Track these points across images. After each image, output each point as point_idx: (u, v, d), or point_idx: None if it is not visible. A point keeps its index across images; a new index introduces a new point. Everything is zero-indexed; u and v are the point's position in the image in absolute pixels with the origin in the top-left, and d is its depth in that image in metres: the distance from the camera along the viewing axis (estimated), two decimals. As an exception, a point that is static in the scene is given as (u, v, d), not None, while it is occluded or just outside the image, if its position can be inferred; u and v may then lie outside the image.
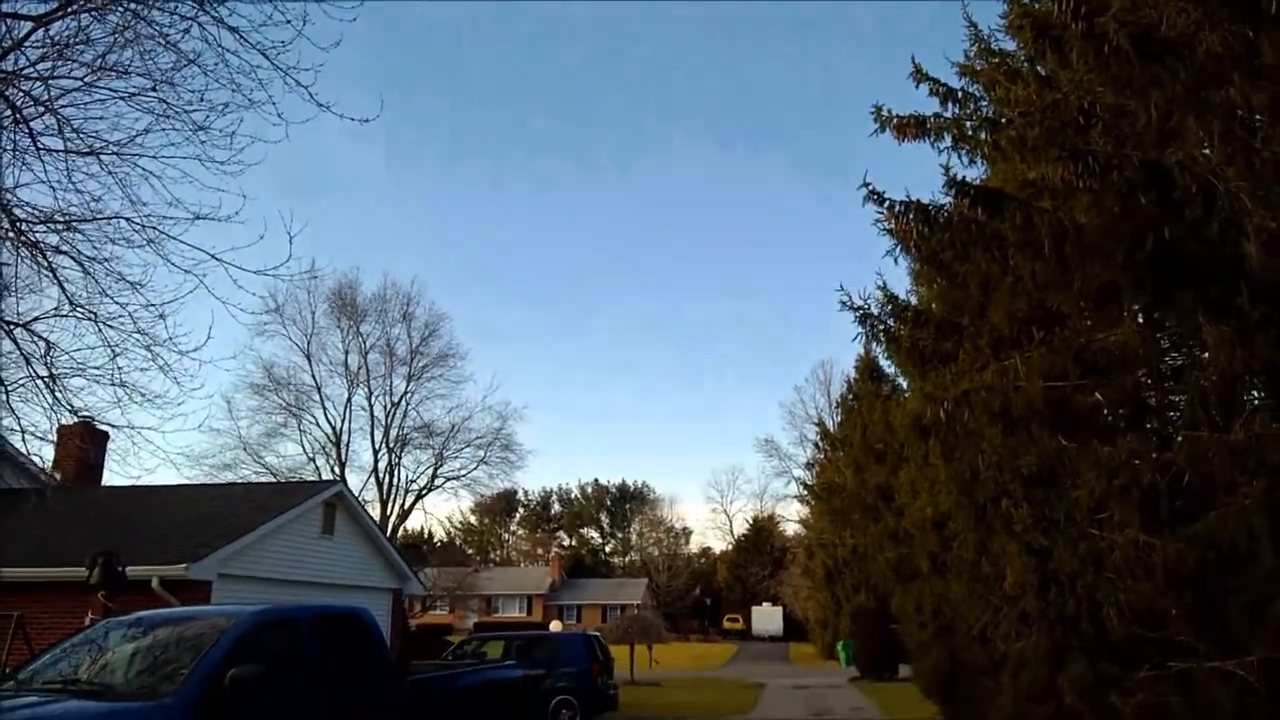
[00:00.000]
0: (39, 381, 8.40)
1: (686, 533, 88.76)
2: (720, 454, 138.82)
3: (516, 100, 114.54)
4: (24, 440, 9.67)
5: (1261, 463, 7.79)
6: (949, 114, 13.44)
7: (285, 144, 19.53)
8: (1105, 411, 10.96)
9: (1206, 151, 10.33)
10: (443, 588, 46.15)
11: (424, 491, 38.78)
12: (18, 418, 8.46)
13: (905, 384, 20.21)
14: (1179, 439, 9.30)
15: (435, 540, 67.77)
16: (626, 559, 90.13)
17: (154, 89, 8.00)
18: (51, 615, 12.93)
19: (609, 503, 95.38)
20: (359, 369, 37.77)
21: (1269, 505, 7.63)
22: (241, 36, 7.89)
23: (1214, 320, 8.83)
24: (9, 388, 8.39)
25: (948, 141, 13.29)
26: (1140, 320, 10.84)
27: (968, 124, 13.46)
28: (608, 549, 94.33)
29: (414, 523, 66.85)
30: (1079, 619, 10.95)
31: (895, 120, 13.42)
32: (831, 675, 34.45)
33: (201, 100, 8.13)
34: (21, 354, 8.31)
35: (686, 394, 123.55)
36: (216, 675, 5.75)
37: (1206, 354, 9.55)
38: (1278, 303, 8.28)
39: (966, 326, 12.62)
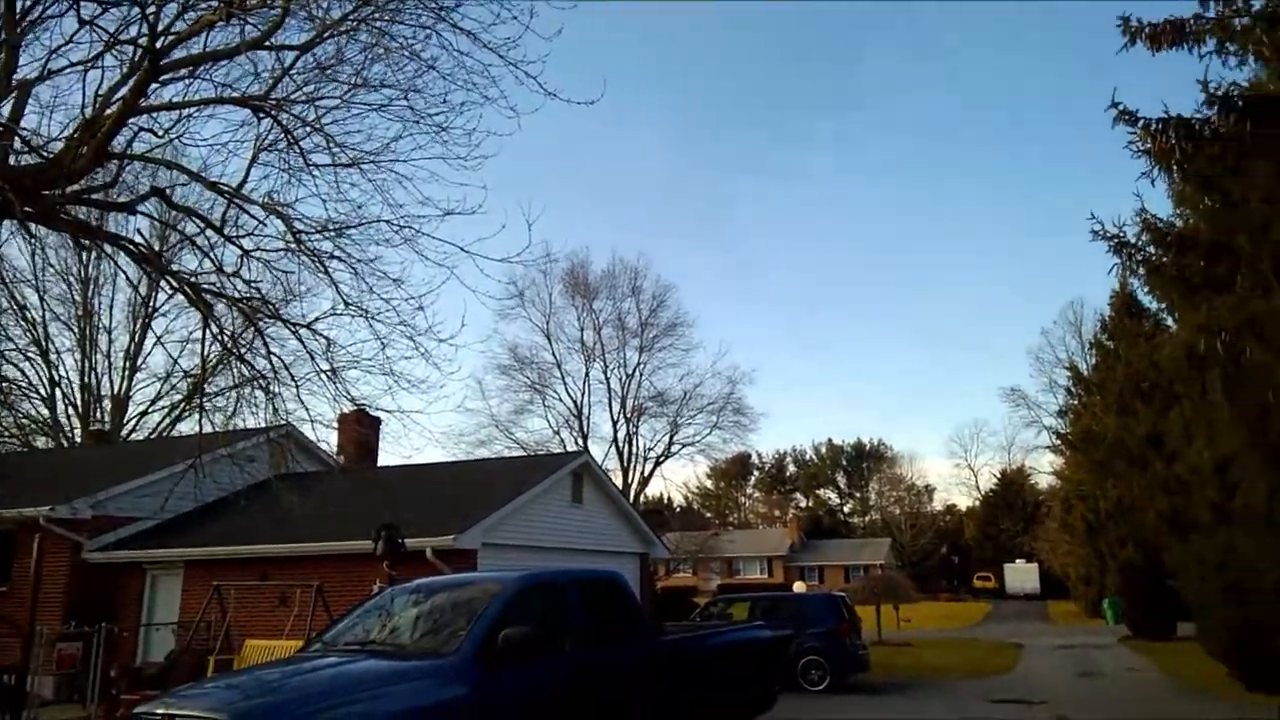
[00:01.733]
0: (322, 375, 9.59)
1: (929, 490, 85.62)
2: (960, 408, 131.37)
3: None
4: (313, 428, 11.15)
5: None
6: (1211, 14, 11.92)
7: (519, 135, 20.73)
8: None
9: None
10: (685, 551, 47.47)
11: (662, 458, 40.07)
12: (307, 408, 9.67)
13: (1171, 319, 18.32)
14: None
15: (675, 505, 69.80)
16: (866, 519, 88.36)
17: (403, 97, 8.81)
18: (344, 583, 14.78)
19: (845, 462, 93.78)
20: (594, 344, 39.53)
21: None
22: (474, 37, 8.52)
23: None
24: (299, 383, 9.64)
25: (1210, 46, 11.82)
26: None
27: (1235, 22, 11.88)
28: (846, 509, 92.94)
29: (654, 489, 69.35)
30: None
31: (1148, 29, 12.09)
32: (1098, 634, 32.09)
33: (443, 102, 8.86)
34: (307, 351, 9.51)
35: (923, 349, 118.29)
36: (490, 636, 6.32)
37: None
38: None
39: (1243, 248, 11.26)
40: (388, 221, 9.28)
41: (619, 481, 35.59)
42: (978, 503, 79.10)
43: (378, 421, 17.81)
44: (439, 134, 8.93)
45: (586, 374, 39.46)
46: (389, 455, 15.73)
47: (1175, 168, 11.32)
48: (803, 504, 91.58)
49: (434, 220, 9.26)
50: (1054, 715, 12.96)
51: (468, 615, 6.77)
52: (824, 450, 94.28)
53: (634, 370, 39.66)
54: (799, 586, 31.91)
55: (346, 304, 9.45)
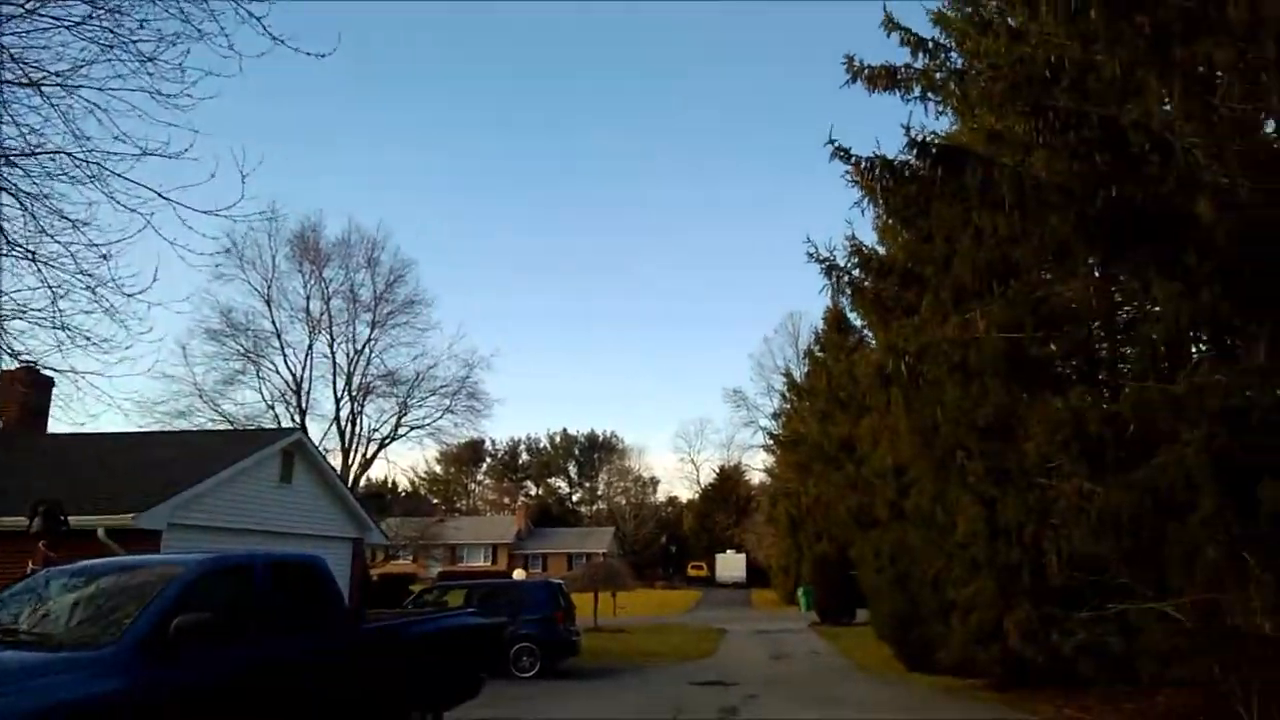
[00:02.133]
0: (-30, 323, 8.17)
1: (654, 482, 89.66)
2: (689, 405, 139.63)
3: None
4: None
5: (1201, 412, 7.97)
6: (919, 65, 13.34)
7: (245, 81, 18.97)
8: (1058, 363, 11.17)
9: (1166, 107, 10.41)
10: (406, 537, 46.13)
11: (387, 440, 38.58)
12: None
13: (871, 337, 20.43)
14: (1126, 390, 9.49)
15: (399, 490, 67.81)
16: (594, 508, 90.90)
17: (97, 16, 7.67)
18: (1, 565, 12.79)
19: (577, 452, 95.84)
20: (321, 315, 37.11)
21: (1208, 453, 7.83)
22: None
23: (1164, 275, 8.97)
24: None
25: (916, 93, 13.23)
26: (1096, 274, 10.99)
27: (937, 75, 13.39)
28: (575, 498, 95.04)
29: (377, 472, 66.71)
30: (1023, 565, 11.28)
31: (866, 71, 13.30)
32: (792, 620, 35.24)
33: (144, 28, 7.80)
34: (-54, 294, 8.08)
35: (657, 347, 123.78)
36: (161, 624, 5.66)
37: (1156, 308, 9.70)
38: (1224, 259, 8.40)
39: (929, 278, 12.71)
40: (71, 154, 8.07)
41: (338, 463, 33.83)
42: (697, 495, 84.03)
43: (49, 383, 15.52)
44: (144, 64, 7.88)
45: (310, 346, 37.05)
46: (60, 422, 13.68)
47: (880, 202, 12.56)
48: (533, 492, 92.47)
49: (129, 159, 8.14)
50: (745, 695, 13.98)
51: (137, 601, 6.06)
52: (558, 439, 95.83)
53: (364, 346, 37.84)
54: (518, 574, 32.14)
55: (11, 244, 8.12)
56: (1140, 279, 9.96)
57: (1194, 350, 9.58)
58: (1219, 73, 9.82)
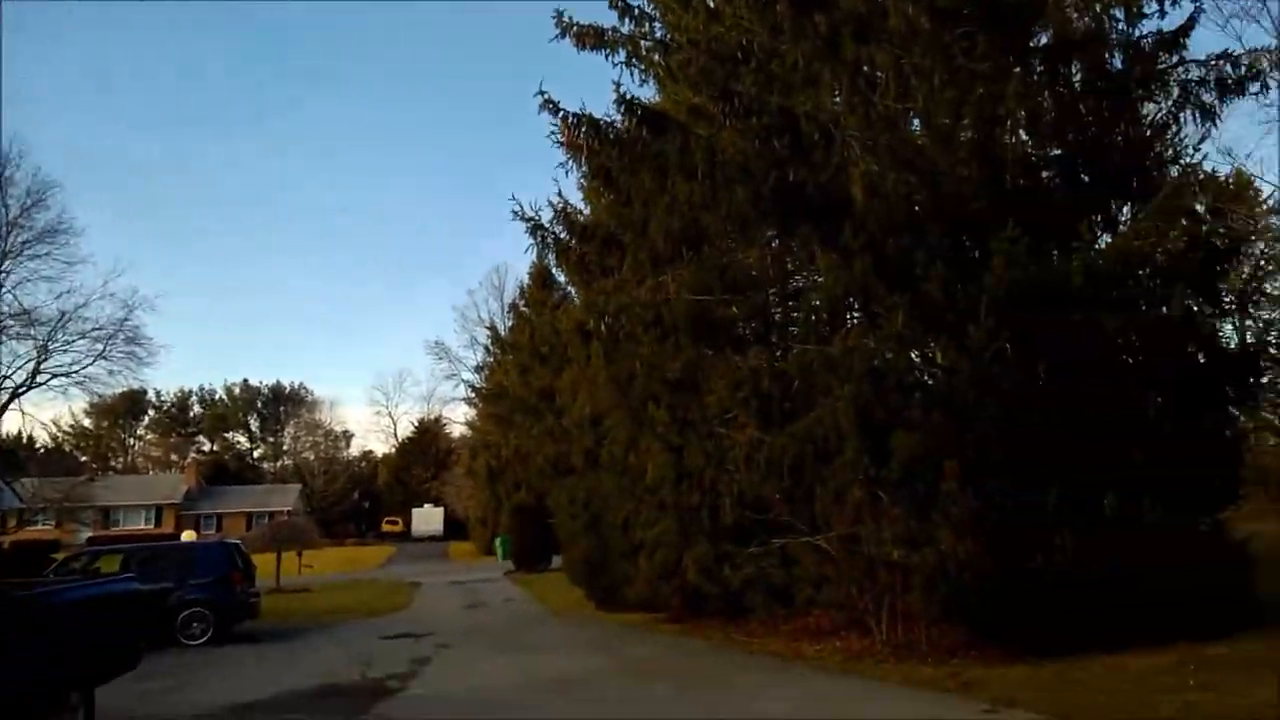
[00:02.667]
0: None
1: (347, 436, 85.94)
2: (388, 357, 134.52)
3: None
4: None
5: (851, 371, 9.22)
6: (626, 30, 13.80)
7: None
8: (739, 325, 12.28)
9: (837, 99, 11.73)
10: (46, 500, 40.60)
11: (22, 390, 33.53)
12: None
13: (575, 294, 21.07)
14: (793, 351, 10.71)
15: (38, 447, 59.21)
16: (279, 464, 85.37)
17: None
18: None
19: (260, 405, 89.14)
20: (-71, 239, 31.28)
21: (855, 406, 9.08)
22: None
23: (826, 250, 10.19)
24: None
25: (622, 57, 13.70)
26: (772, 245, 12.18)
27: (643, 43, 13.96)
28: (257, 454, 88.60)
29: (9, 425, 57.55)
30: (702, 507, 12.41)
31: (575, 28, 13.56)
32: (488, 570, 35.76)
33: None
34: None
35: (354, 296, 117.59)
36: None
37: (820, 278, 11.00)
38: (873, 239, 9.71)
39: (629, 242, 13.35)
40: None
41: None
42: (394, 450, 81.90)
43: None
44: None
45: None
46: None
47: (586, 162, 12.96)
48: (207, 448, 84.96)
49: None
50: (437, 645, 14.07)
51: None
52: (237, 391, 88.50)
53: (-8, 278, 32.48)
54: (188, 535, 29.46)
55: None
56: (807, 251, 11.22)
57: (849, 317, 10.96)
58: (879, 73, 11.25)
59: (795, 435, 9.59)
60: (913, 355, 10.12)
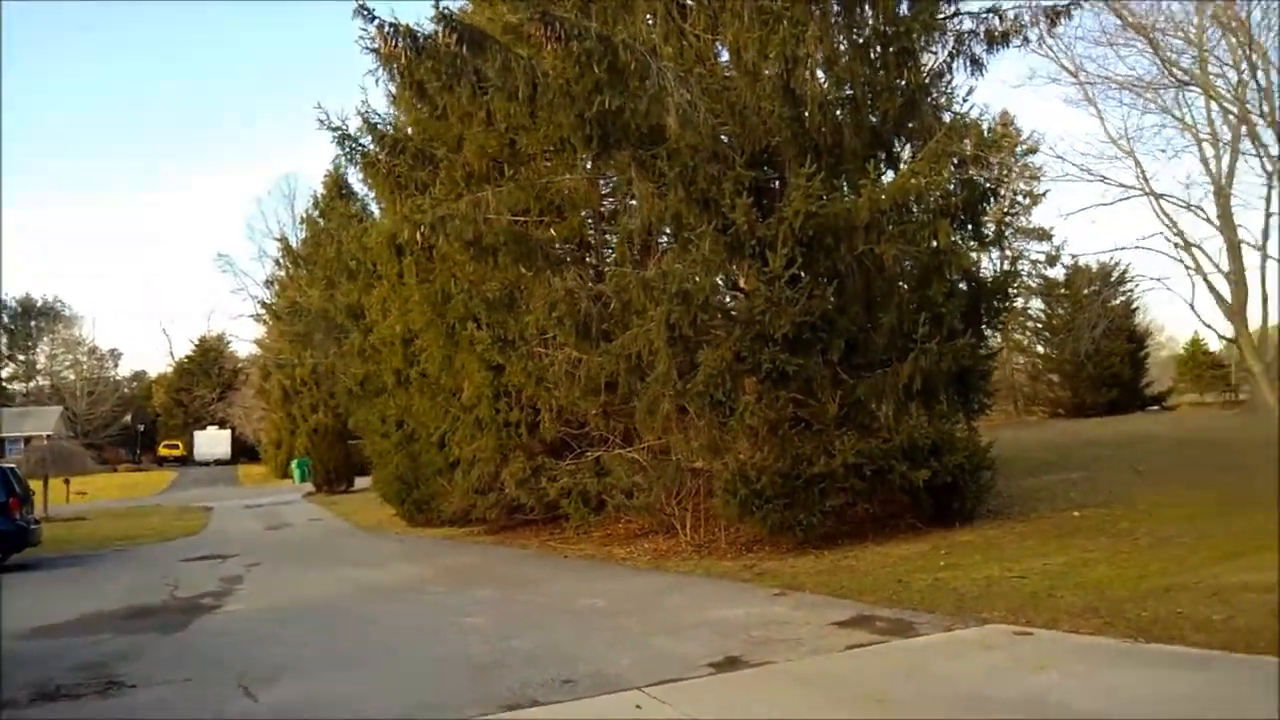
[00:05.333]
0: None
1: (115, 355, 78.76)
2: (164, 270, 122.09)
3: None
4: None
5: (664, 293, 9.82)
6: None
7: None
8: (558, 245, 12.60)
9: (650, 23, 12.03)
10: None
11: None
12: None
13: (377, 207, 20.37)
14: (609, 272, 11.20)
15: None
16: (32, 385, 77.07)
17: None
18: None
19: (7, 320, 79.66)
20: None
21: (666, 326, 9.72)
22: None
23: (642, 176, 10.64)
24: None
25: (438, -33, 13.26)
26: (589, 168, 12.50)
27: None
28: (5, 374, 79.54)
29: None
30: (521, 423, 12.86)
31: (390, -68, 12.96)
32: (286, 493, 34.70)
33: None
34: None
35: (125, 204, 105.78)
36: None
37: (635, 203, 11.48)
38: (685, 166, 10.24)
39: (443, 158, 13.21)
40: None
41: None
42: (172, 369, 76.08)
43: None
44: None
45: None
46: None
47: (400, 73, 12.60)
48: (-57, 369, 75.30)
49: None
50: (246, 564, 13.82)
51: None
52: (-23, 304, 78.52)
53: None
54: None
55: None
56: (623, 177, 11.64)
57: (661, 241, 11.55)
58: (689, 2, 11.67)
59: (612, 353, 10.15)
60: (718, 279, 10.86)
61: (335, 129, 13.97)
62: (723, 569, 9.93)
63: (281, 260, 43.76)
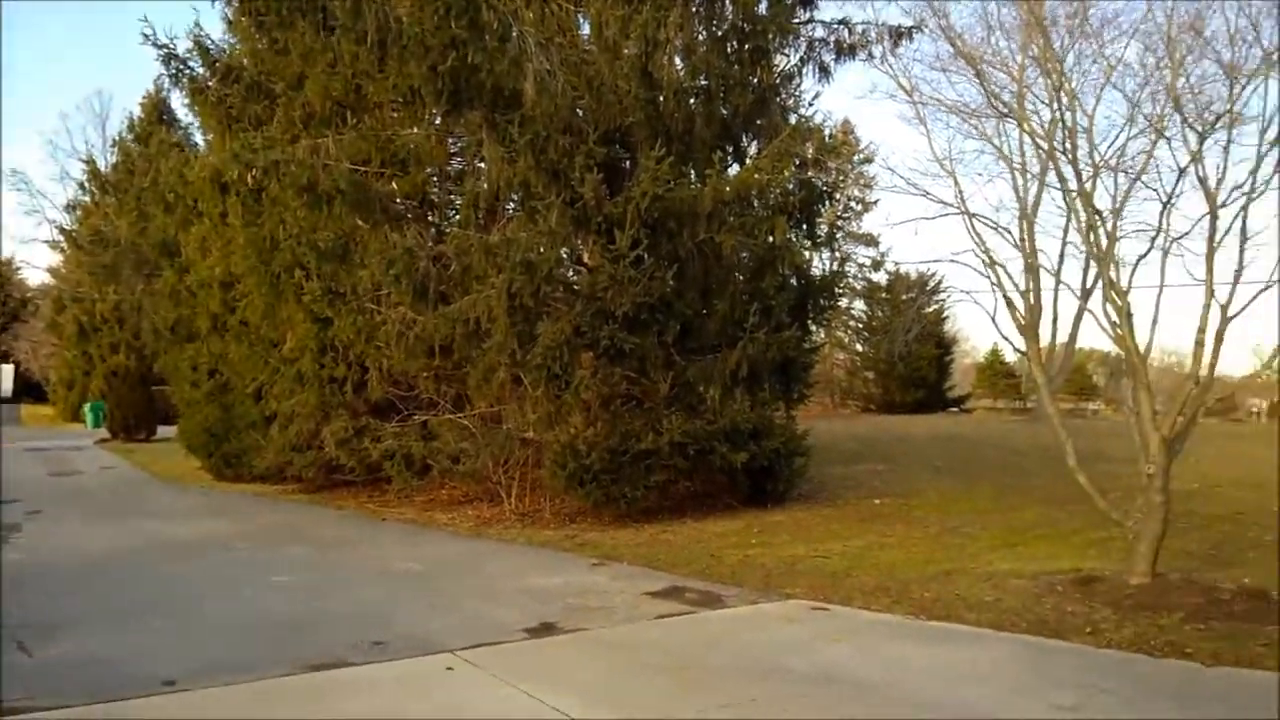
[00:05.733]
0: None
1: None
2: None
3: None
4: None
5: (506, 260, 9.74)
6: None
7: None
8: (399, 200, 12.19)
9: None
10: None
11: None
12: None
13: (202, 138, 18.92)
14: (452, 234, 10.97)
15: None
16: None
17: None
18: None
19: None
20: None
21: (508, 294, 9.66)
22: None
23: (493, 139, 10.48)
24: None
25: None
26: (439, 124, 12.14)
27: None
28: None
29: None
30: (347, 380, 12.41)
31: None
32: (77, 438, 31.82)
33: None
34: None
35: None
36: None
37: (483, 165, 11.27)
38: (538, 135, 10.16)
39: (281, 95, 12.47)
40: None
41: None
42: (-56, 294, 67.98)
43: None
44: None
45: None
46: None
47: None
48: None
49: None
50: (26, 511, 12.67)
51: None
52: None
53: None
54: None
55: None
56: (474, 137, 11.41)
57: (508, 208, 11.41)
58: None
59: (449, 317, 9.97)
60: (564, 252, 10.88)
61: (161, 47, 12.86)
62: (545, 538, 10.03)
63: (87, 184, 39.84)
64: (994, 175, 8.17)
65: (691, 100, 11.25)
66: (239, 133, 12.82)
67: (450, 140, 12.73)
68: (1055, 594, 6.80)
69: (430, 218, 12.58)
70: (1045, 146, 7.10)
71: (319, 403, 12.41)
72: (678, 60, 11.43)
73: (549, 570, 8.17)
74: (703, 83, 11.31)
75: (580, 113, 10.82)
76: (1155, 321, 7.12)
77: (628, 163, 11.15)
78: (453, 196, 12.69)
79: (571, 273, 11.46)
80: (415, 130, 12.01)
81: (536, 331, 9.88)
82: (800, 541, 9.46)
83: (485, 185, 10.96)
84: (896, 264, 36.47)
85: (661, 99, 10.78)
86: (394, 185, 11.98)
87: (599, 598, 6.99)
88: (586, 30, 11.94)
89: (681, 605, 6.75)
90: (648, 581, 7.58)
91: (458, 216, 11.78)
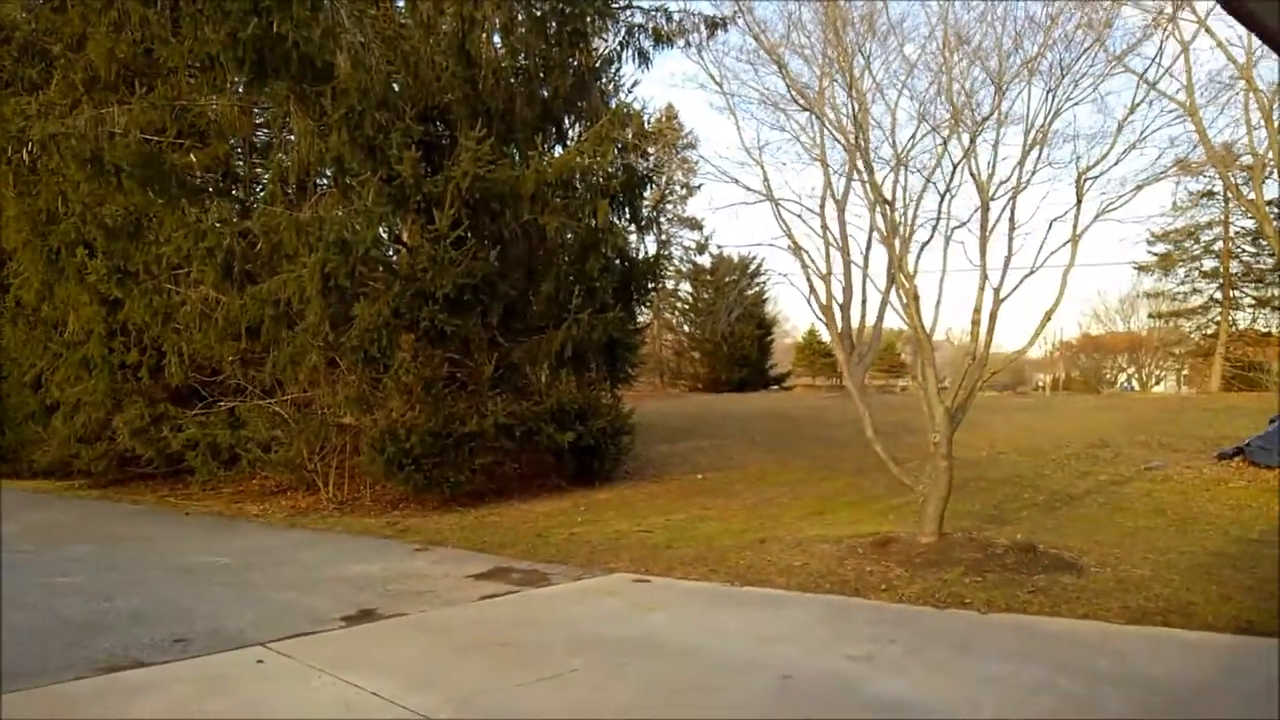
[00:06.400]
0: None
1: None
2: None
3: None
4: None
5: (319, 239, 9.34)
6: None
7: None
8: (198, 174, 11.40)
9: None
10: None
11: None
12: None
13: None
14: (259, 210, 10.39)
15: None
16: None
17: None
18: None
19: None
20: None
21: (321, 274, 9.27)
22: None
23: (302, 112, 10.00)
24: None
25: None
26: (241, 94, 11.44)
27: None
28: None
29: None
30: (142, 365, 11.52)
31: None
32: None
33: None
34: None
35: None
36: None
37: (292, 138, 10.73)
38: (352, 110, 9.78)
39: (60, 56, 11.37)
40: None
41: None
42: None
43: None
44: None
45: None
46: None
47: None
48: None
49: None
50: None
51: None
52: None
53: None
54: None
55: None
56: (280, 110, 10.83)
57: (320, 184, 10.93)
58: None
59: (257, 298, 9.47)
60: (381, 231, 10.55)
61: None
62: (364, 526, 9.74)
63: None
64: (805, 164, 8.61)
65: (512, 80, 11.16)
66: (11, 95, 11.62)
67: (256, 110, 12.03)
68: (856, 556, 7.31)
69: (235, 192, 11.87)
70: (843, 140, 7.55)
71: (109, 390, 11.47)
72: (496, 39, 11.30)
73: (368, 558, 7.96)
74: (522, 63, 11.24)
75: (397, 88, 10.50)
76: (939, 303, 7.77)
77: (447, 141, 10.93)
78: (259, 170, 12.01)
79: (390, 252, 11.14)
80: (215, 99, 11.26)
81: (353, 313, 9.55)
82: (625, 518, 9.67)
83: (294, 159, 10.43)
84: (719, 247, 37.71)
85: (480, 78, 10.63)
86: (193, 157, 11.21)
87: (421, 582, 6.89)
88: (402, 2, 11.61)
89: (506, 585, 6.76)
90: (472, 564, 7.53)
91: (265, 192, 11.15)
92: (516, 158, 11.05)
